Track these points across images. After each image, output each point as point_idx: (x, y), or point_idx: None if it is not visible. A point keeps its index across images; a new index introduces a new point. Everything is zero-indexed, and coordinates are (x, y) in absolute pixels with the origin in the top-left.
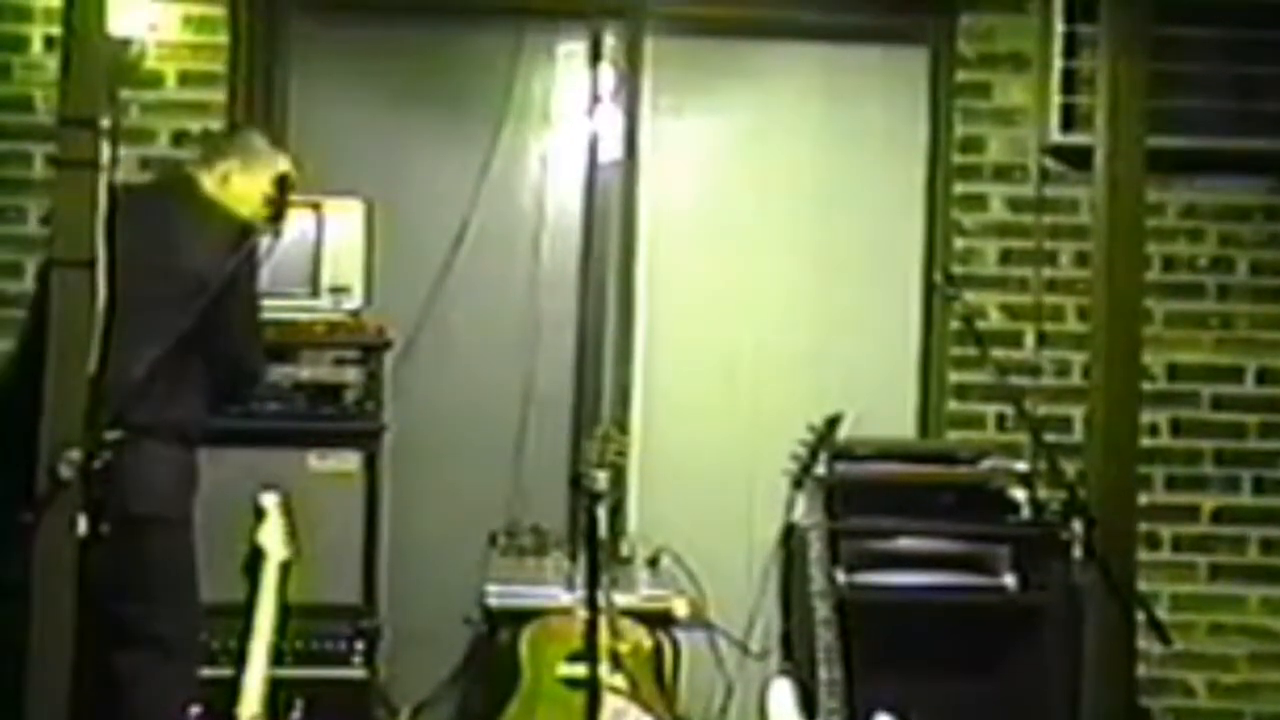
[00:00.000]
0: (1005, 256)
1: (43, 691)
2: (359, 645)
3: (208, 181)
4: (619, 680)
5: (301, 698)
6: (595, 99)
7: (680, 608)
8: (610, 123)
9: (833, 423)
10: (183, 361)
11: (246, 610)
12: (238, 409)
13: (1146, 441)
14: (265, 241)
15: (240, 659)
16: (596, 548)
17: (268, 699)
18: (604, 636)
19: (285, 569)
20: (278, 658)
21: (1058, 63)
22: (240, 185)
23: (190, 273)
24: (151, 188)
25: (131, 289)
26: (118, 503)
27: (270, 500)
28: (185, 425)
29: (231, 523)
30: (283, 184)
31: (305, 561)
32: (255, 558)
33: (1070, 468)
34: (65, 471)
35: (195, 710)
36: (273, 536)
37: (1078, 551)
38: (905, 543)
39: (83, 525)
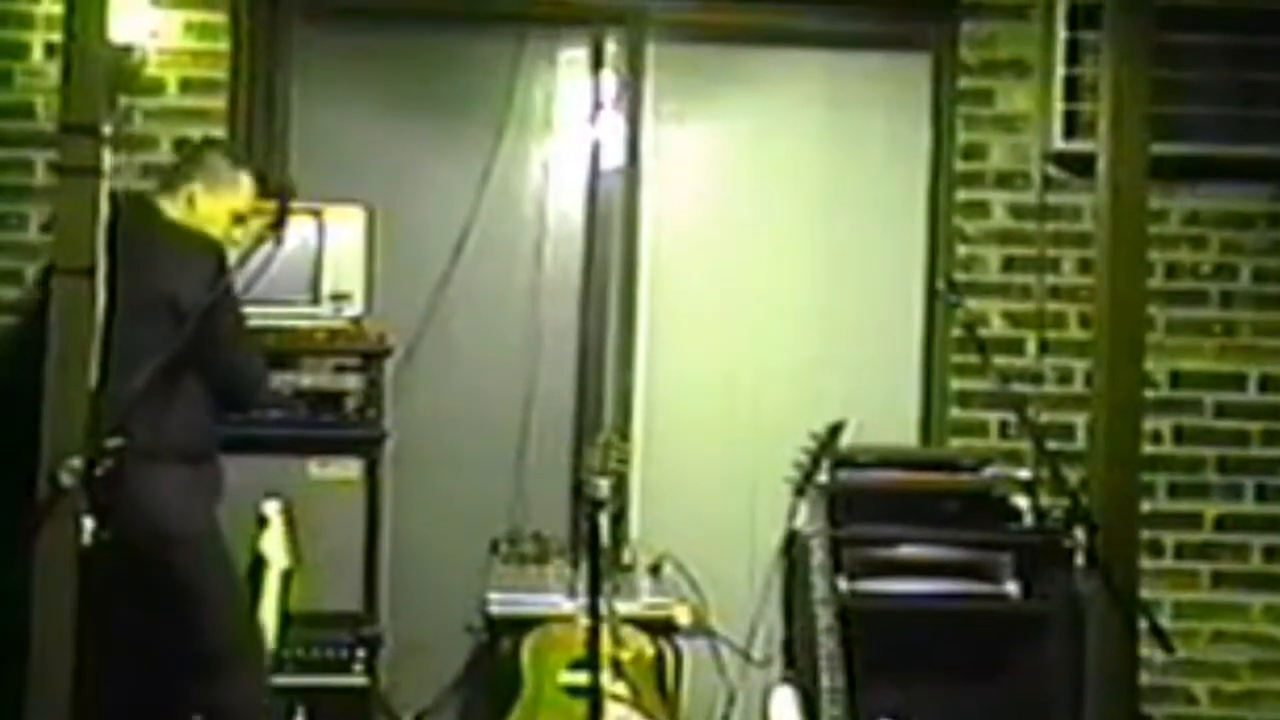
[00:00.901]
0: (1008, 263)
1: (44, 697)
2: (360, 653)
3: (172, 207)
4: (621, 688)
5: (303, 705)
6: (597, 106)
7: (682, 615)
8: (612, 130)
9: (835, 430)
10: (176, 377)
11: None
12: (239, 417)
13: (1149, 449)
14: (266, 249)
15: None
16: (598, 555)
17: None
18: (606, 644)
19: (287, 577)
20: (279, 665)
21: (1060, 69)
22: (206, 206)
23: (165, 293)
24: (115, 209)
25: (118, 304)
26: (138, 530)
27: (272, 508)
28: (187, 444)
29: (233, 530)
30: (283, 195)
31: (306, 569)
32: (257, 566)
33: (1073, 475)
34: (66, 479)
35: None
36: (274, 545)
37: (1080, 559)
38: (907, 550)
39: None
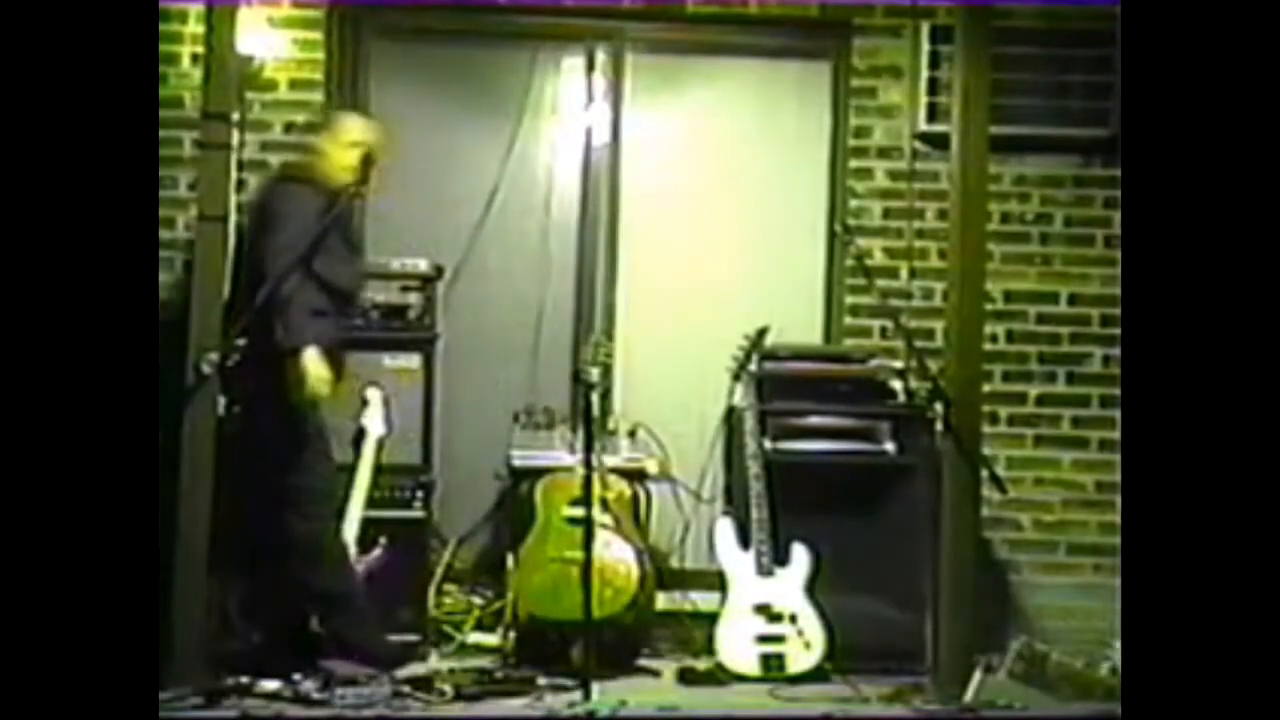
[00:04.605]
0: (887, 213)
1: (191, 530)
2: (419, 494)
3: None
4: (607, 519)
5: (384, 535)
6: (589, 99)
7: (651, 466)
8: (600, 116)
9: (762, 332)
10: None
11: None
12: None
13: (988, 346)
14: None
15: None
16: (590, 423)
17: (361, 533)
18: (596, 487)
19: (380, 443)
20: (370, 504)
21: (925, 72)
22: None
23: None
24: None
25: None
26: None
27: (373, 394)
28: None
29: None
30: (366, 160)
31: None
32: (360, 435)
33: (934, 365)
34: (206, 368)
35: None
36: (374, 420)
37: (939, 426)
38: (814, 419)
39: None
